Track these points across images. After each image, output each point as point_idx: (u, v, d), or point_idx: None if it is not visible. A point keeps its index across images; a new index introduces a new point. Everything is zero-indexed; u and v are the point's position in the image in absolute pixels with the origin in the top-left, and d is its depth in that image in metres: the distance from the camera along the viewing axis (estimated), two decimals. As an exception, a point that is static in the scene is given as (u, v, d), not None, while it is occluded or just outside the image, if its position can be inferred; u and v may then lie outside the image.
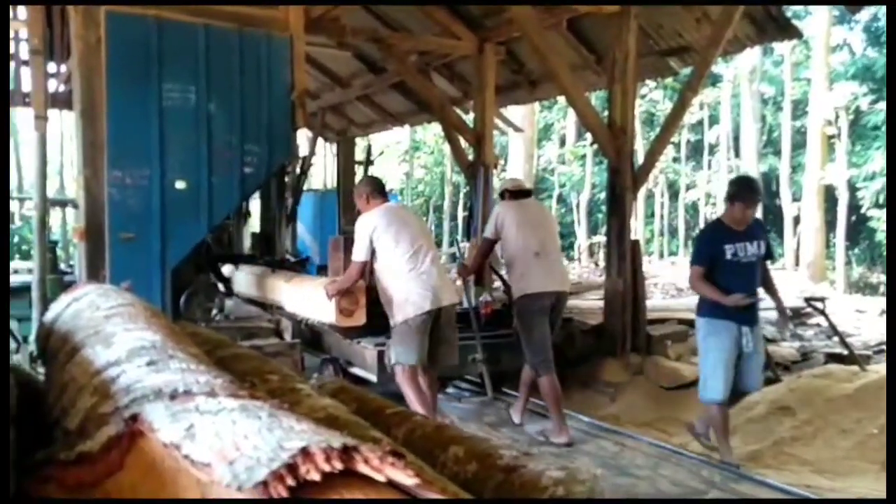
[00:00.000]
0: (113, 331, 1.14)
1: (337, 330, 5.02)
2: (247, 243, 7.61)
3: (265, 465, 0.53)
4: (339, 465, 0.53)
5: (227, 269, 6.51)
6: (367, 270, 4.35)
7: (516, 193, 4.97)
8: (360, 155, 11.43)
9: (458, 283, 5.72)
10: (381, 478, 0.54)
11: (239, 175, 5.10)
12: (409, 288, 4.15)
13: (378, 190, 4.46)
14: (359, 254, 4.28)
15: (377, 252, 4.22)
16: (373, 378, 4.83)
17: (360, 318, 4.62)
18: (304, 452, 0.54)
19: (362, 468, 0.54)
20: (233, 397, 0.74)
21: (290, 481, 0.52)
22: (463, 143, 8.19)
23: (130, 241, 4.72)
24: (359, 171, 10.60)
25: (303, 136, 5.41)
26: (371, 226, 4.21)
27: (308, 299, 5.06)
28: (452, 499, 0.51)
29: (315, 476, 0.52)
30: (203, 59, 4.93)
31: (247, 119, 5.11)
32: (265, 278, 5.86)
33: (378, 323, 4.61)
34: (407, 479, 0.54)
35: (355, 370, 5.10)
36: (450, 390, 5.89)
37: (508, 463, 1.36)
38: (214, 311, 5.23)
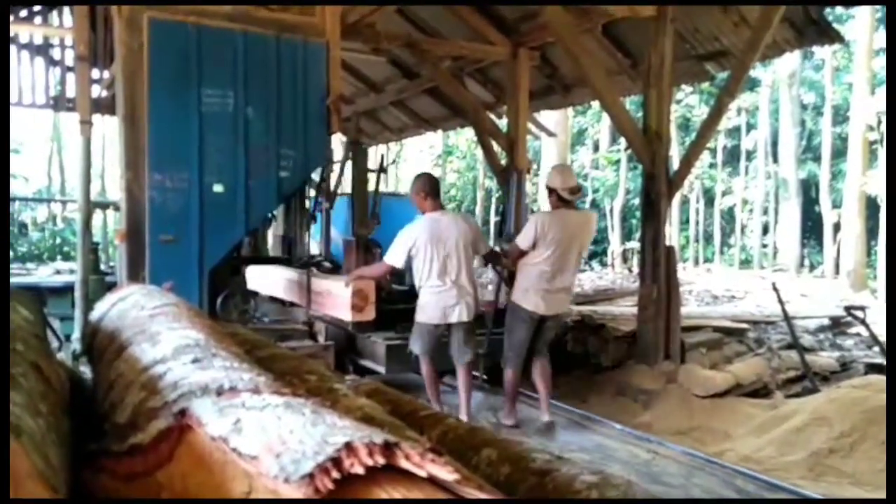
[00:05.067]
0: (158, 329, 1.18)
1: (350, 326, 5.34)
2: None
3: (311, 458, 0.55)
4: (381, 460, 0.55)
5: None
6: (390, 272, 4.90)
7: (565, 199, 4.70)
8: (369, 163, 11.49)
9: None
10: (422, 473, 0.55)
11: (275, 179, 5.18)
12: (428, 300, 4.62)
13: (434, 190, 4.72)
14: (392, 257, 4.67)
15: (412, 259, 4.61)
16: (381, 370, 5.21)
17: (369, 314, 4.98)
18: (348, 447, 0.56)
19: (404, 463, 0.55)
20: (277, 394, 0.76)
21: (335, 474, 0.54)
22: (496, 147, 8.20)
23: (170, 243, 4.82)
24: (371, 179, 10.68)
25: (337, 141, 5.48)
26: (413, 237, 4.55)
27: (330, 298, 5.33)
28: (499, 499, 0.52)
29: (359, 469, 0.54)
30: (241, 65, 5.02)
31: (283, 124, 5.18)
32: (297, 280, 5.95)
33: (387, 319, 5.27)
34: (447, 474, 0.55)
35: (366, 362, 5.48)
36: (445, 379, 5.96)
37: (541, 466, 1.36)
38: (250, 313, 5.31)
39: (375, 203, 6.53)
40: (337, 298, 5.13)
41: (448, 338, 4.76)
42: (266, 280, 6.33)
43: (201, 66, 4.91)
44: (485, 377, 5.77)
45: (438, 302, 4.60)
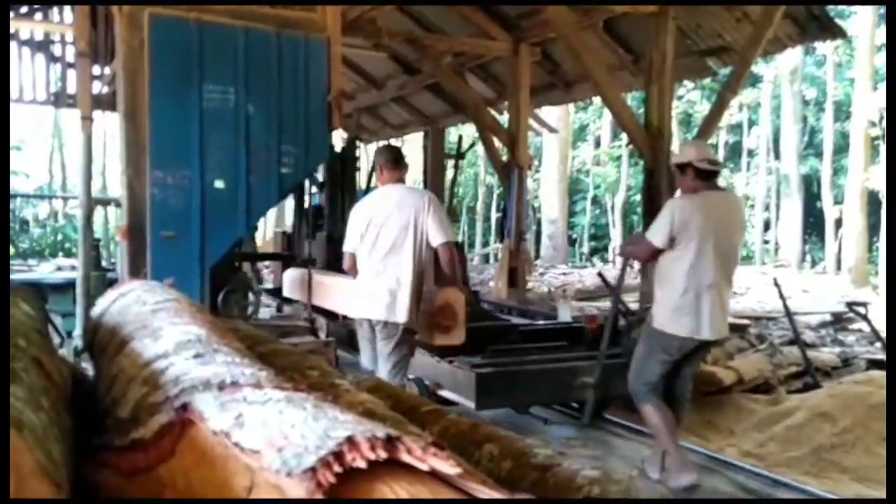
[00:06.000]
0: (160, 325, 1.18)
1: (424, 345, 4.28)
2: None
3: (313, 452, 0.55)
4: (383, 454, 0.55)
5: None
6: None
7: (706, 173, 3.63)
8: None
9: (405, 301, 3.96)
10: (424, 467, 0.55)
11: (276, 175, 5.17)
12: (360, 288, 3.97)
13: (389, 161, 3.99)
14: (347, 245, 4.04)
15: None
16: (469, 403, 4.08)
17: (457, 337, 3.92)
18: (350, 441, 0.56)
19: (406, 458, 0.55)
20: (278, 389, 0.76)
21: (337, 468, 0.54)
22: (497, 143, 8.19)
23: (171, 239, 4.81)
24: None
25: (338, 138, 5.46)
26: (355, 218, 3.98)
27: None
28: (507, 498, 0.52)
29: (361, 464, 0.54)
30: (242, 61, 5.01)
31: (284, 120, 5.17)
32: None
33: (474, 341, 4.24)
34: (450, 468, 0.55)
35: (445, 392, 4.32)
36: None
37: (543, 462, 1.37)
38: (251, 310, 5.32)
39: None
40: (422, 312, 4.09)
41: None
42: (323, 290, 5.47)
43: (202, 63, 4.90)
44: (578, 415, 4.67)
45: (367, 295, 3.89)
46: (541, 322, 5.45)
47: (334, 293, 5.46)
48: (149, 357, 1.00)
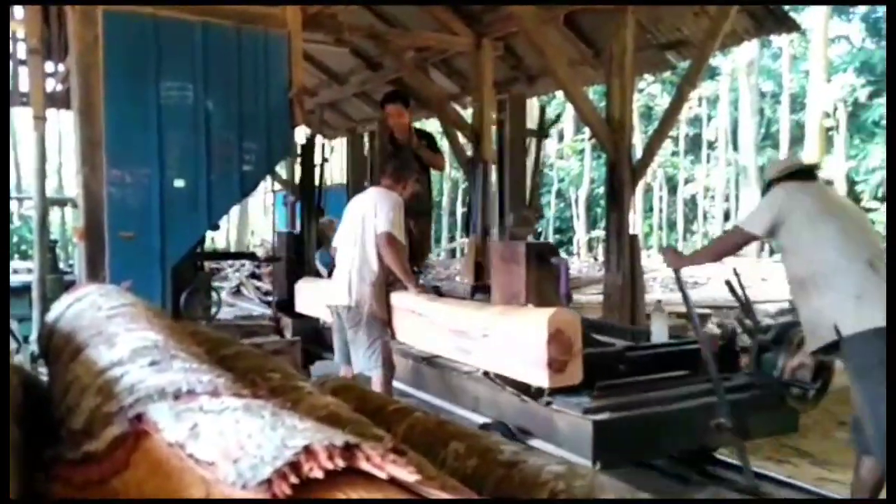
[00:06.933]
0: (115, 331, 1.15)
1: (504, 381, 3.35)
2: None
3: (269, 463, 0.55)
4: (341, 463, 0.54)
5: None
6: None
7: (795, 176, 3.21)
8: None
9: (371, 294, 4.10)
10: (382, 475, 0.55)
11: (238, 173, 5.10)
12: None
13: (381, 169, 4.61)
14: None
15: None
16: (581, 460, 2.86)
17: (574, 375, 2.99)
18: (307, 450, 0.55)
19: (364, 465, 0.55)
20: (236, 397, 0.75)
21: (294, 479, 0.53)
22: (461, 138, 8.19)
23: (130, 239, 4.72)
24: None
25: (301, 134, 5.40)
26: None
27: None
28: (453, 498, 0.52)
29: (318, 474, 0.53)
30: (200, 57, 4.93)
31: (245, 117, 5.11)
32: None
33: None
34: (408, 476, 0.55)
35: (538, 442, 3.20)
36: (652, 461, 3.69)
37: (509, 458, 1.37)
38: (215, 309, 5.24)
39: (320, 195, 6.53)
40: (514, 344, 3.14)
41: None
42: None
43: (160, 59, 4.81)
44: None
45: (333, 283, 4.34)
46: (646, 344, 4.00)
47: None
48: (103, 365, 0.98)
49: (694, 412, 3.25)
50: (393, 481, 0.55)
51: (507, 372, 3.26)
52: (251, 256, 9.75)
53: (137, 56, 4.75)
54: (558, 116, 7.30)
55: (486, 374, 3.48)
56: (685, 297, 3.57)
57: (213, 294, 5.36)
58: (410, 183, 4.47)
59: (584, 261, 19.17)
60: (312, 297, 5.30)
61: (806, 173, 3.22)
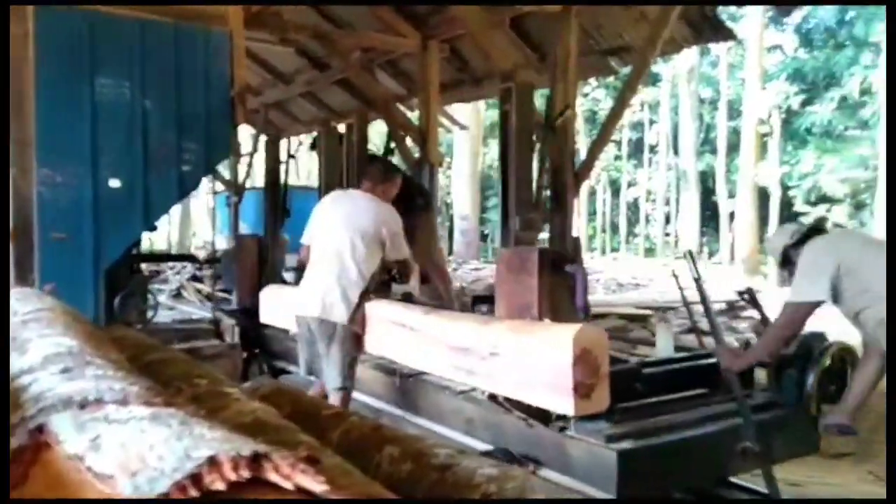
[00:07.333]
0: (29, 336, 1.10)
1: (507, 402, 2.98)
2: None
3: (168, 476, 0.52)
4: (246, 474, 0.52)
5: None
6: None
7: (807, 236, 3.16)
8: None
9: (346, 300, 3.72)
10: (289, 485, 0.53)
11: (176, 173, 4.99)
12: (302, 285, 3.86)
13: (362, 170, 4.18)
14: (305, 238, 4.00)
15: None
16: (602, 494, 2.63)
17: (601, 400, 2.65)
18: (212, 461, 0.53)
19: (272, 476, 0.53)
20: (146, 405, 0.72)
21: (194, 492, 0.51)
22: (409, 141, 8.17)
23: (62, 241, 4.56)
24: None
25: (246, 133, 5.30)
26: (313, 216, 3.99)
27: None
28: (354, 499, 0.51)
29: (220, 486, 0.52)
30: (138, 54, 4.80)
31: (184, 116, 5.00)
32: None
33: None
34: (317, 485, 0.53)
35: (549, 473, 2.83)
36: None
37: (443, 461, 1.36)
38: (151, 313, 5.10)
39: (285, 195, 6.34)
40: (530, 365, 2.74)
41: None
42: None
43: (94, 56, 4.66)
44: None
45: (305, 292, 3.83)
46: (660, 359, 3.74)
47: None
48: (13, 372, 0.93)
49: (720, 436, 2.94)
50: (302, 491, 0.54)
51: (521, 396, 2.84)
52: (191, 259, 9.53)
53: (71, 53, 4.60)
54: (566, 107, 6.48)
55: (491, 397, 3.03)
56: (708, 310, 3.24)
57: (150, 297, 5.21)
58: (397, 181, 4.03)
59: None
60: (280, 307, 4.68)
61: (818, 230, 3.20)
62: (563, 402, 2.60)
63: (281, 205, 5.94)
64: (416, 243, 5.27)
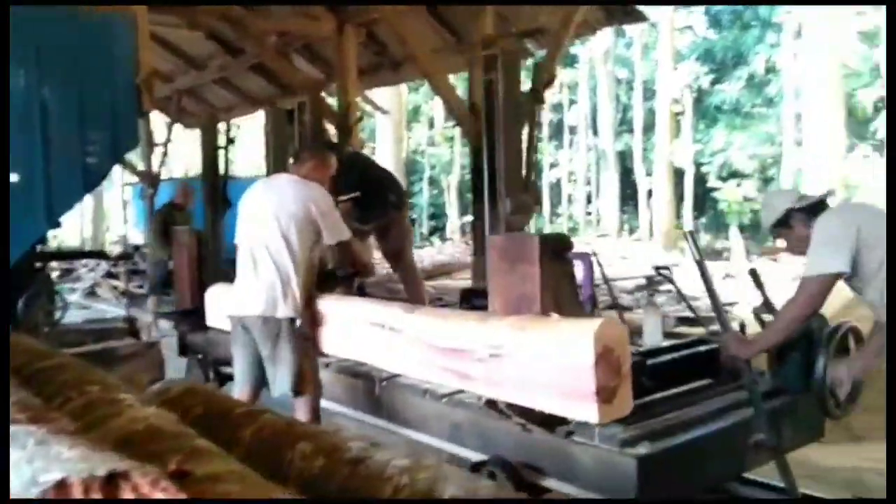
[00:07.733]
0: None
1: (509, 409, 2.61)
2: None
3: (10, 504, 0.49)
4: (97, 496, 0.49)
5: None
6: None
7: (814, 208, 2.84)
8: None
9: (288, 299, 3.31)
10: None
11: (80, 165, 4.75)
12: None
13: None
14: None
15: None
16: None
17: (624, 404, 2.34)
18: (62, 484, 0.49)
19: (128, 495, 0.50)
20: (11, 423, 0.67)
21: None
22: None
23: (-45, 240, 4.27)
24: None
25: (161, 122, 5.08)
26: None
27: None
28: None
29: (71, 509, 0.48)
30: (31, 40, 4.53)
31: (86, 104, 4.76)
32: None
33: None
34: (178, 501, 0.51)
35: (553, 482, 2.56)
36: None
37: (356, 455, 1.35)
38: (58, 314, 4.86)
39: (225, 184, 5.94)
40: (542, 367, 2.39)
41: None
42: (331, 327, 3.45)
43: (-19, 44, 4.36)
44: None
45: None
46: (661, 347, 3.28)
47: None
48: None
49: (733, 430, 2.68)
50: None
51: (529, 403, 2.47)
52: (101, 255, 9.11)
53: (-46, 38, 4.29)
54: (552, 77, 5.96)
55: (490, 403, 2.67)
56: (712, 295, 2.96)
57: (58, 297, 4.96)
58: (327, 159, 3.58)
59: (457, 246, 19.47)
60: (227, 308, 3.85)
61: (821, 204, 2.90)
62: (583, 409, 2.27)
63: (220, 195, 5.42)
64: (389, 242, 5.16)
